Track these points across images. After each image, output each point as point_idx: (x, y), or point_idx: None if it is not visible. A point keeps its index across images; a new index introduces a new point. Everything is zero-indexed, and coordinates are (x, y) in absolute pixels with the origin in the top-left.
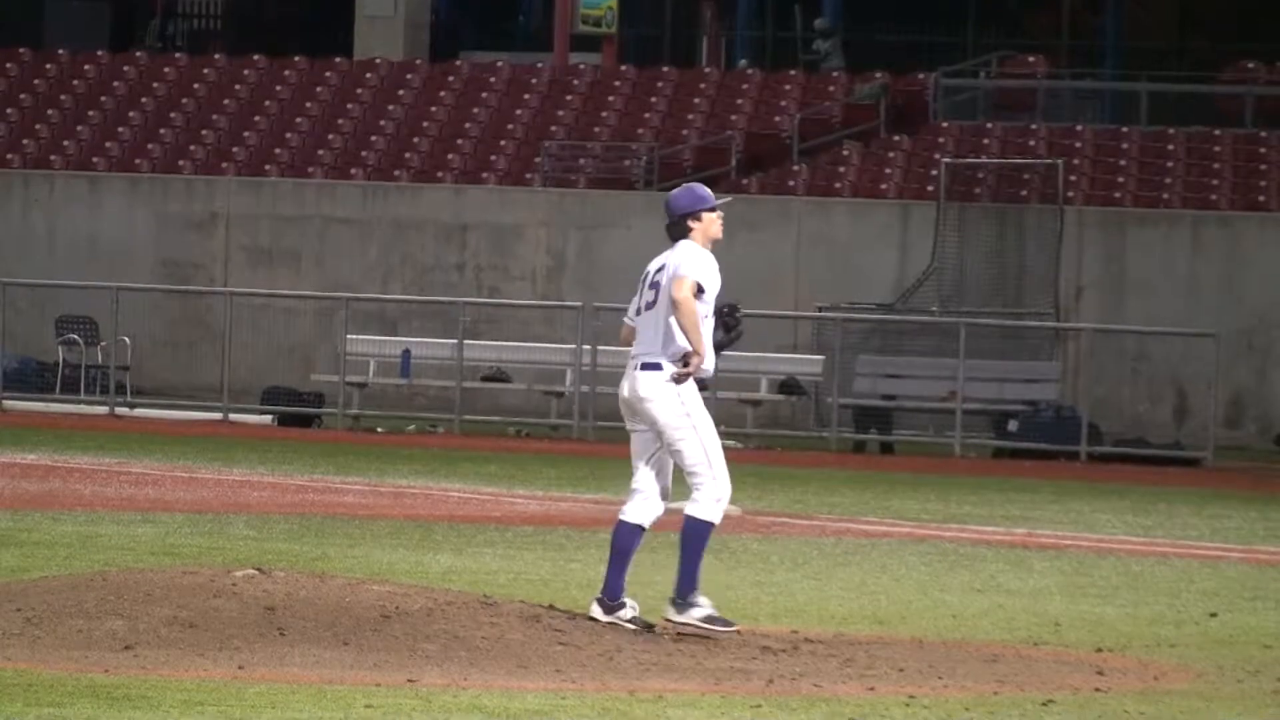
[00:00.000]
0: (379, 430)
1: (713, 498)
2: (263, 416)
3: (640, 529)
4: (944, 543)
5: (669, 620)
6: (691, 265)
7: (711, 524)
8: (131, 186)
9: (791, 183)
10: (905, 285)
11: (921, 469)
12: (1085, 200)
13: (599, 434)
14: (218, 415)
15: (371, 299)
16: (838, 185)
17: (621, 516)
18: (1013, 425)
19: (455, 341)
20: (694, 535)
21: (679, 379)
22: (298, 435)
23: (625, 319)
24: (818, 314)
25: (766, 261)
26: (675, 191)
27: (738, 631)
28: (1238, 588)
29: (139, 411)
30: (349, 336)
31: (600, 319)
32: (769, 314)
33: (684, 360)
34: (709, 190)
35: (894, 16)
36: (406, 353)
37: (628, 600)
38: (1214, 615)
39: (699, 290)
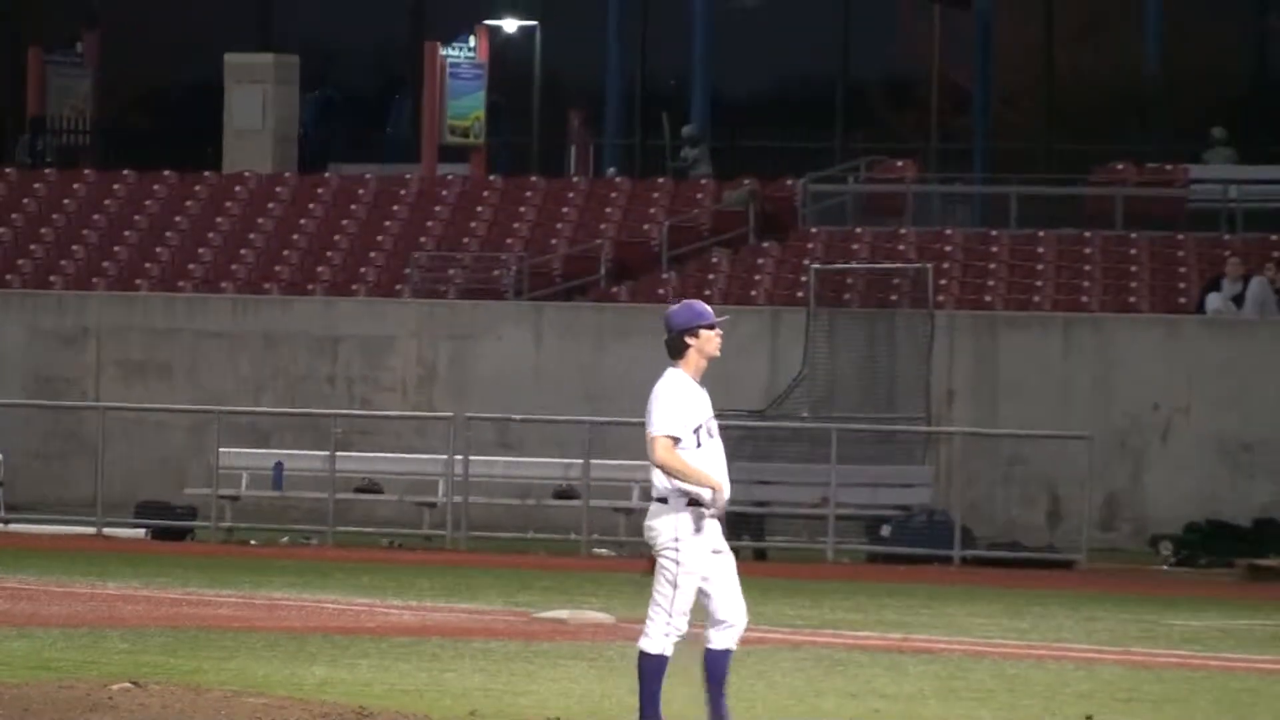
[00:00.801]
0: (252, 542)
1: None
2: (136, 530)
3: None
4: (819, 648)
5: None
6: (658, 420)
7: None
8: (2, 301)
9: (661, 290)
10: (776, 391)
11: (795, 575)
12: (956, 304)
13: (472, 544)
14: (91, 529)
15: (244, 411)
16: (708, 292)
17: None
18: (886, 530)
19: (328, 453)
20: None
21: (711, 515)
22: (172, 549)
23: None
24: None
25: (638, 369)
26: (674, 308)
27: None
28: (1113, 689)
29: (13, 526)
30: (222, 450)
31: (471, 429)
32: (641, 422)
33: (701, 503)
34: (708, 307)
35: (761, 122)
36: (279, 465)
37: None
38: (1089, 718)
39: (677, 438)
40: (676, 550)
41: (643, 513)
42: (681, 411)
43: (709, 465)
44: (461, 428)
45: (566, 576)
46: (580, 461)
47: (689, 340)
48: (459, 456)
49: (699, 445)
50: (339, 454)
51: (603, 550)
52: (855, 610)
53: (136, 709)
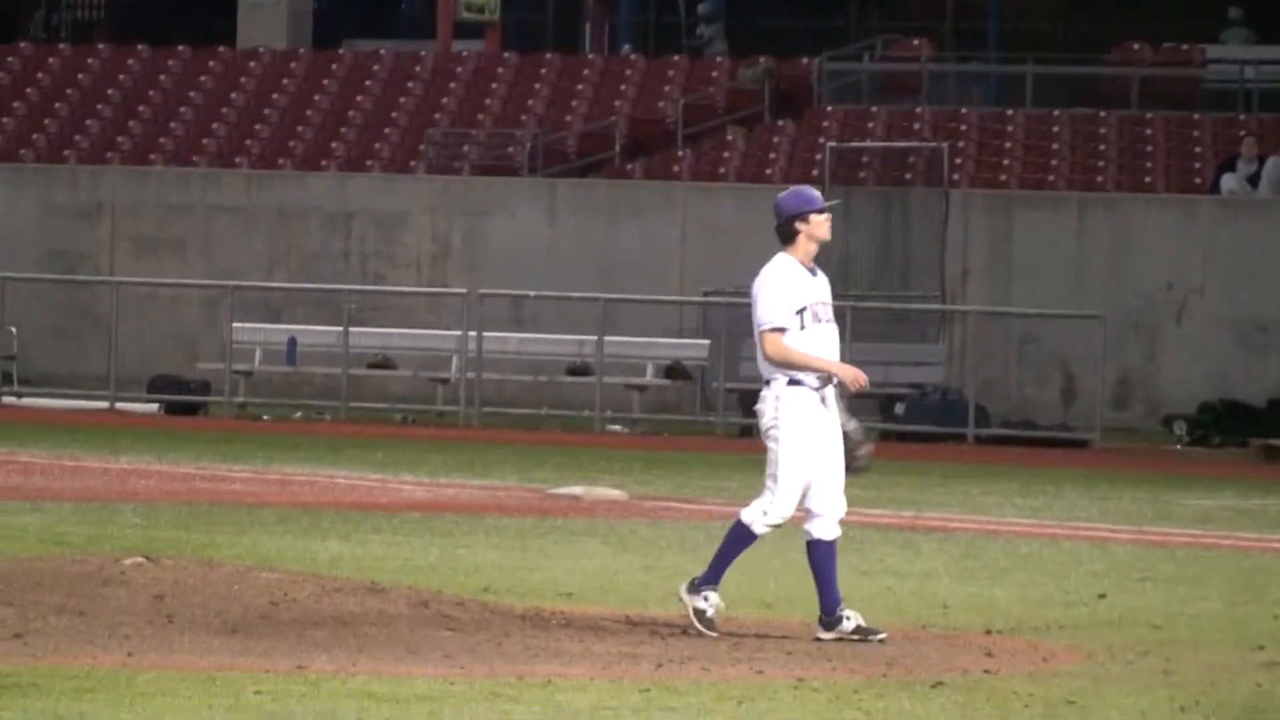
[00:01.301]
0: (265, 418)
1: (761, 509)
2: (149, 405)
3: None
4: None
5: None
6: (762, 313)
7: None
8: (16, 176)
9: (676, 168)
10: None
11: None
12: (971, 183)
13: (484, 420)
14: (104, 404)
15: (257, 287)
16: (722, 170)
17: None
18: (899, 408)
19: (341, 329)
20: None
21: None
22: (184, 424)
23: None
24: (703, 299)
25: (652, 247)
26: (783, 195)
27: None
28: (1126, 569)
29: (26, 401)
30: (235, 325)
31: (485, 305)
32: (655, 299)
33: (833, 383)
34: (817, 192)
35: (777, 1)
36: (292, 340)
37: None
38: (1103, 596)
39: (782, 328)
40: (778, 430)
41: (656, 389)
42: (783, 298)
43: (818, 349)
44: (475, 304)
45: (580, 453)
46: (594, 338)
47: (799, 226)
48: (472, 333)
49: (802, 328)
50: (352, 329)
51: (616, 427)
52: (869, 488)
53: (149, 583)
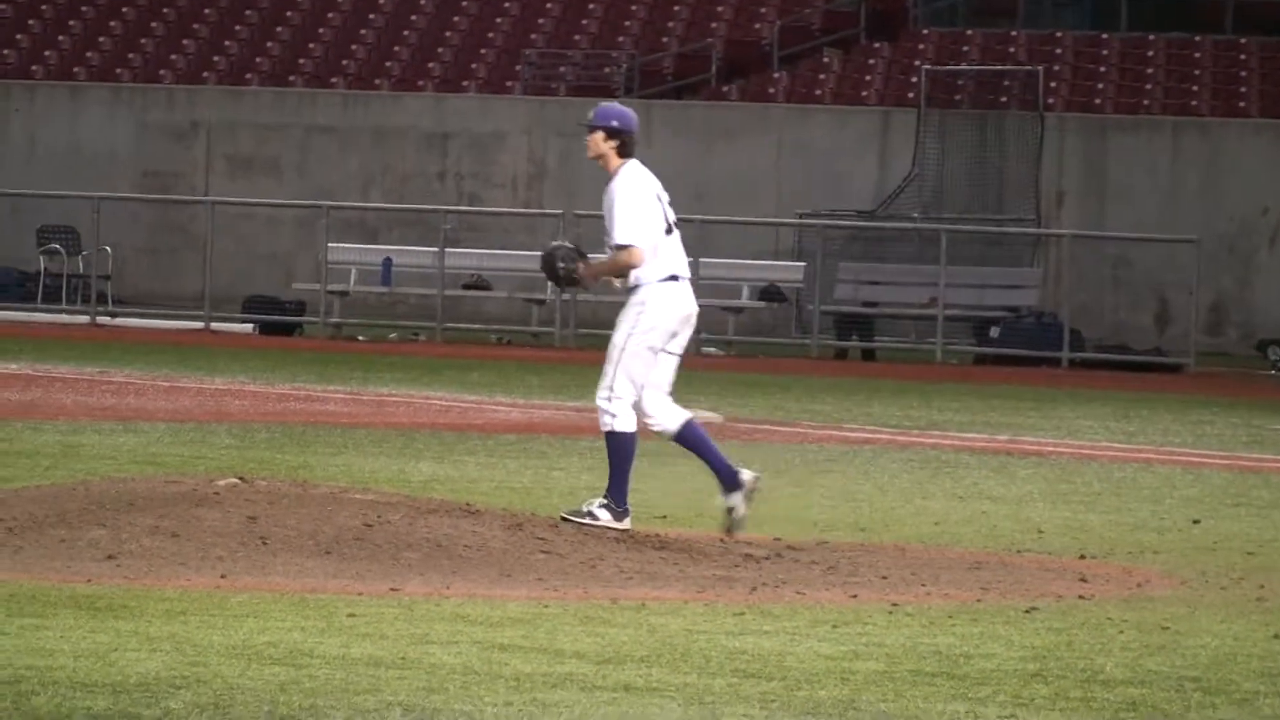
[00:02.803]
0: (360, 338)
1: None
2: (244, 325)
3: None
4: (926, 450)
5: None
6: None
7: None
8: (112, 96)
9: (771, 90)
10: (886, 192)
11: (903, 376)
12: (1065, 106)
13: (580, 341)
14: (199, 324)
15: (352, 207)
16: (818, 93)
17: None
18: (994, 331)
19: (436, 250)
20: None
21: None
22: (279, 344)
23: (644, 240)
24: (799, 221)
25: (747, 169)
26: (625, 110)
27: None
28: (1220, 494)
29: (120, 321)
30: (330, 245)
31: (581, 226)
32: (750, 221)
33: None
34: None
35: None
36: (388, 261)
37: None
38: (1197, 522)
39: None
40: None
41: (751, 311)
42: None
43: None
44: (571, 225)
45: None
46: (689, 260)
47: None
48: None
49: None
50: (447, 250)
51: (711, 349)
52: (963, 411)
53: (243, 504)
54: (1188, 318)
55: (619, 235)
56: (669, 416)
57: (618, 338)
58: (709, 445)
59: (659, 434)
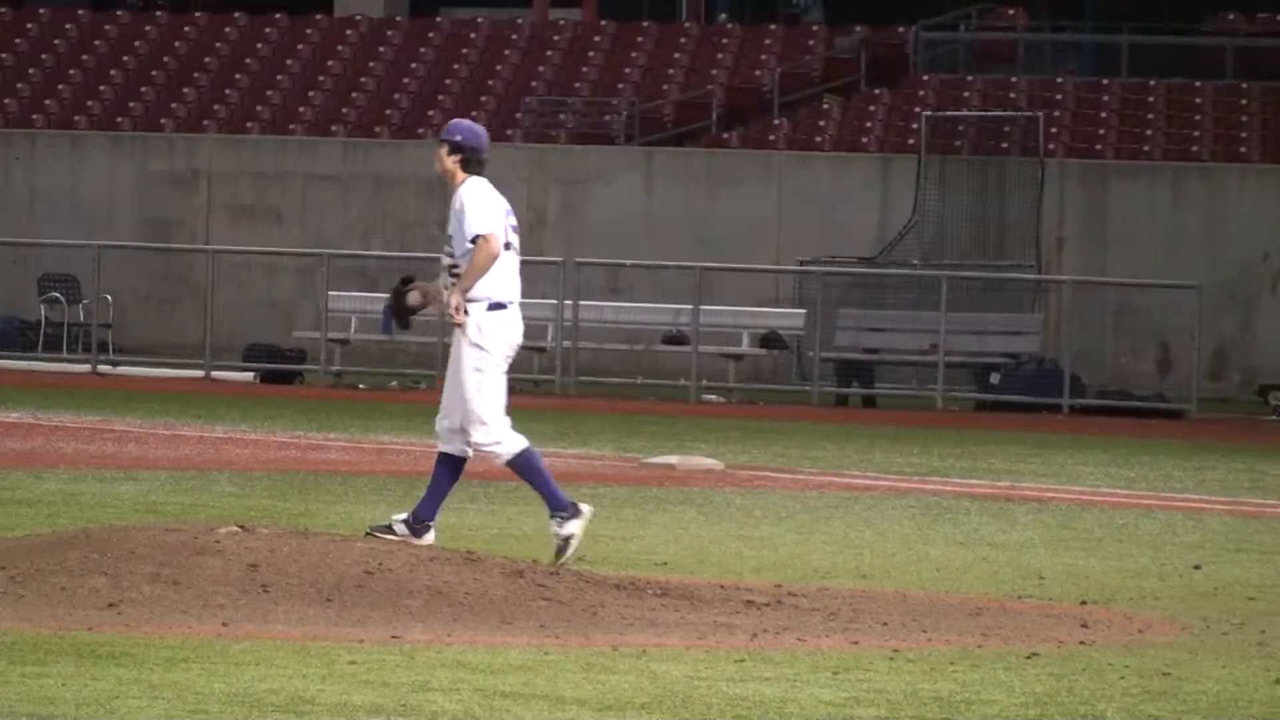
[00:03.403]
0: (361, 386)
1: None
2: (245, 373)
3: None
4: (927, 496)
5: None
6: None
7: None
8: (113, 144)
9: (772, 137)
10: (887, 238)
11: (904, 422)
12: (1066, 152)
13: (581, 389)
14: (200, 372)
15: (353, 255)
16: (818, 139)
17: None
18: (995, 378)
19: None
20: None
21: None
22: (280, 392)
23: (498, 232)
24: (799, 268)
25: (748, 215)
26: (474, 125)
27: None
28: (1222, 540)
29: (121, 369)
30: (330, 293)
31: (582, 274)
32: (750, 268)
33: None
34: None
35: None
36: (388, 309)
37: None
38: (1198, 568)
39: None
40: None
41: (751, 359)
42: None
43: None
44: (571, 272)
45: (675, 422)
46: (689, 307)
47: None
48: (569, 301)
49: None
50: None
51: (712, 396)
52: (964, 458)
53: (244, 552)
54: (1189, 363)
55: (475, 227)
56: (510, 441)
57: (468, 376)
58: (543, 474)
59: (493, 458)
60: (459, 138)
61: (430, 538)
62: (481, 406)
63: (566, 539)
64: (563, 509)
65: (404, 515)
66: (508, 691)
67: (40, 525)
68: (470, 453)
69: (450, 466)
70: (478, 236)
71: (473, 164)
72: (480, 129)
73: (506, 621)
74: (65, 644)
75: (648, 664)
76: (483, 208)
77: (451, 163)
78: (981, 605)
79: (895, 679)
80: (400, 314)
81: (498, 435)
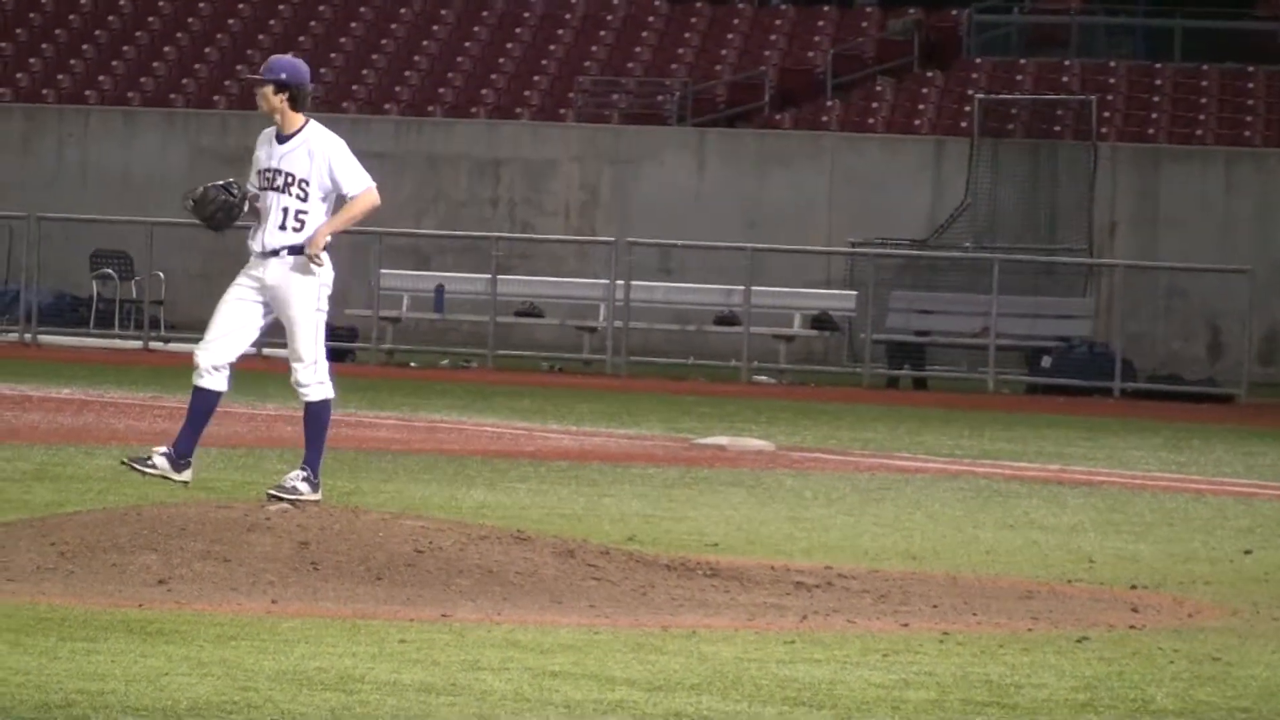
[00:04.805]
0: (412, 365)
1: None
2: None
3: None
4: (978, 479)
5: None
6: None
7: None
8: (166, 121)
9: (825, 118)
10: (938, 221)
11: (955, 405)
12: (1118, 136)
13: (632, 369)
14: (252, 349)
15: (405, 234)
16: (871, 121)
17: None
18: (1046, 361)
19: (489, 276)
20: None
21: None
22: (332, 369)
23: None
24: (851, 250)
25: (800, 197)
26: (297, 61)
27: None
28: (1273, 524)
29: (173, 346)
30: (383, 271)
31: (633, 254)
32: (802, 249)
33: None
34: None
35: None
36: (440, 288)
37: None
38: (1248, 552)
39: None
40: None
41: (802, 339)
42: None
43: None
44: (623, 252)
45: (726, 403)
46: (741, 288)
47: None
48: (620, 281)
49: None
50: (500, 277)
51: (762, 377)
52: (1015, 441)
53: (294, 530)
54: (1240, 348)
55: (365, 177)
56: (329, 386)
57: (306, 314)
58: (326, 430)
59: (304, 396)
60: (284, 76)
61: (189, 475)
62: (318, 345)
63: (284, 487)
64: (304, 463)
65: (164, 448)
66: (557, 671)
67: (91, 502)
68: (226, 388)
69: (213, 402)
70: (366, 187)
71: (300, 100)
72: (301, 63)
73: (556, 601)
74: (115, 620)
75: (697, 645)
76: (353, 157)
77: (279, 101)
78: (1032, 589)
79: (945, 662)
80: (217, 218)
81: (322, 375)
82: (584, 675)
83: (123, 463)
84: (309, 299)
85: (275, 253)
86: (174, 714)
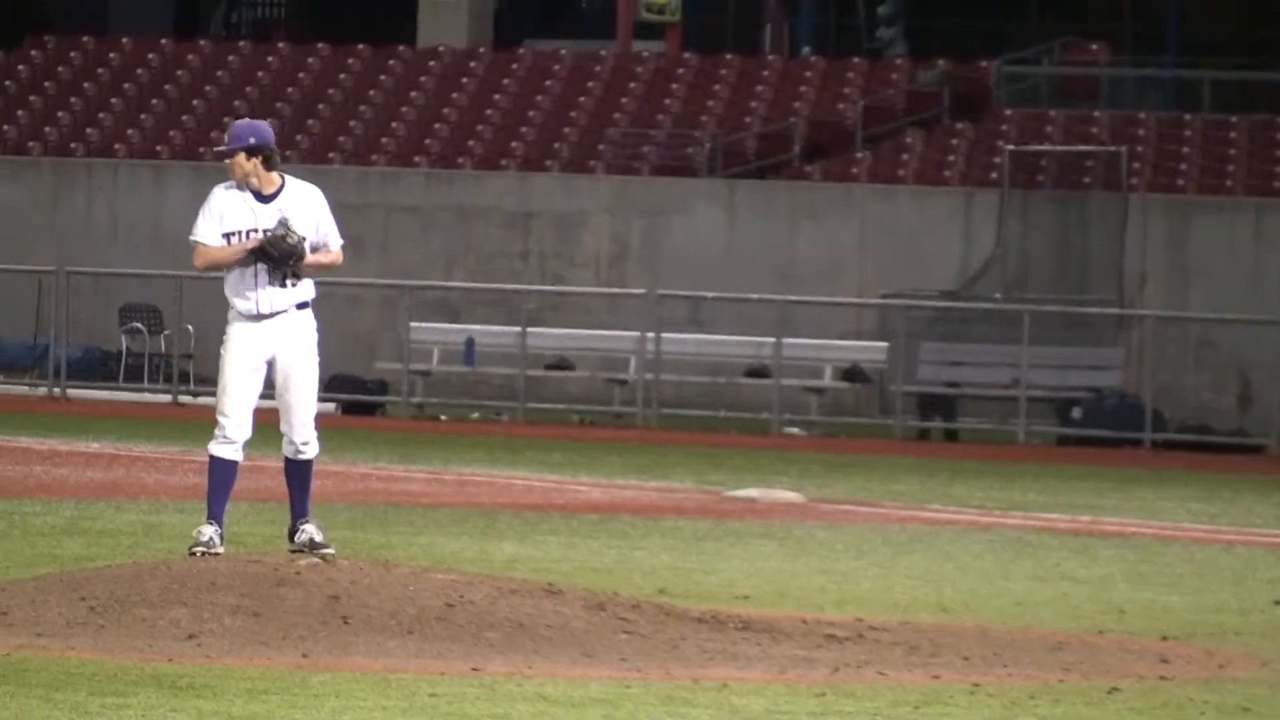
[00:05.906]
0: (442, 418)
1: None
2: (326, 404)
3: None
4: (1008, 530)
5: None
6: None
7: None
8: (195, 174)
9: (855, 170)
10: (969, 272)
11: (986, 456)
12: (1148, 187)
13: (662, 421)
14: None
15: (435, 287)
16: (901, 172)
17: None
18: (1077, 413)
19: (519, 329)
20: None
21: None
22: (362, 423)
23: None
24: (882, 301)
25: (830, 249)
26: (259, 123)
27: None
28: None
29: (202, 400)
30: (413, 324)
31: (664, 306)
32: (833, 301)
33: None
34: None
35: (957, 3)
36: (470, 341)
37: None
38: (1278, 603)
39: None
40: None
41: (834, 392)
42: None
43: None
44: (653, 304)
45: (757, 455)
46: (772, 340)
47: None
48: (650, 334)
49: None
50: (530, 330)
51: (794, 429)
52: (1045, 493)
53: (324, 584)
54: (1270, 398)
55: (339, 237)
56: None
57: (313, 372)
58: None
59: (304, 454)
60: (253, 140)
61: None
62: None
63: (314, 542)
64: (306, 515)
65: (215, 526)
66: None
67: (121, 556)
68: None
69: (235, 474)
70: (343, 243)
71: (271, 160)
72: (262, 124)
73: (587, 654)
74: (145, 675)
75: (729, 697)
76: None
77: (253, 166)
78: (1062, 640)
79: (976, 713)
80: (289, 258)
81: (316, 432)
82: None
83: (190, 552)
84: (315, 357)
85: (281, 312)
86: None
